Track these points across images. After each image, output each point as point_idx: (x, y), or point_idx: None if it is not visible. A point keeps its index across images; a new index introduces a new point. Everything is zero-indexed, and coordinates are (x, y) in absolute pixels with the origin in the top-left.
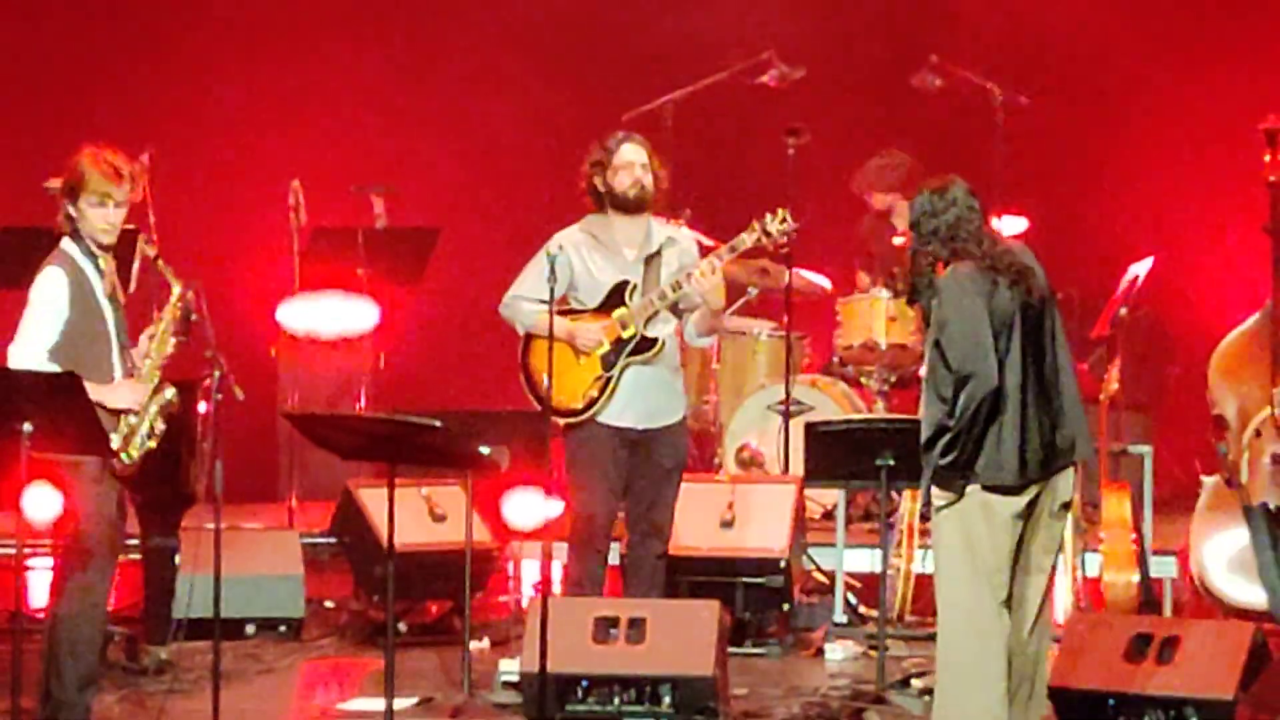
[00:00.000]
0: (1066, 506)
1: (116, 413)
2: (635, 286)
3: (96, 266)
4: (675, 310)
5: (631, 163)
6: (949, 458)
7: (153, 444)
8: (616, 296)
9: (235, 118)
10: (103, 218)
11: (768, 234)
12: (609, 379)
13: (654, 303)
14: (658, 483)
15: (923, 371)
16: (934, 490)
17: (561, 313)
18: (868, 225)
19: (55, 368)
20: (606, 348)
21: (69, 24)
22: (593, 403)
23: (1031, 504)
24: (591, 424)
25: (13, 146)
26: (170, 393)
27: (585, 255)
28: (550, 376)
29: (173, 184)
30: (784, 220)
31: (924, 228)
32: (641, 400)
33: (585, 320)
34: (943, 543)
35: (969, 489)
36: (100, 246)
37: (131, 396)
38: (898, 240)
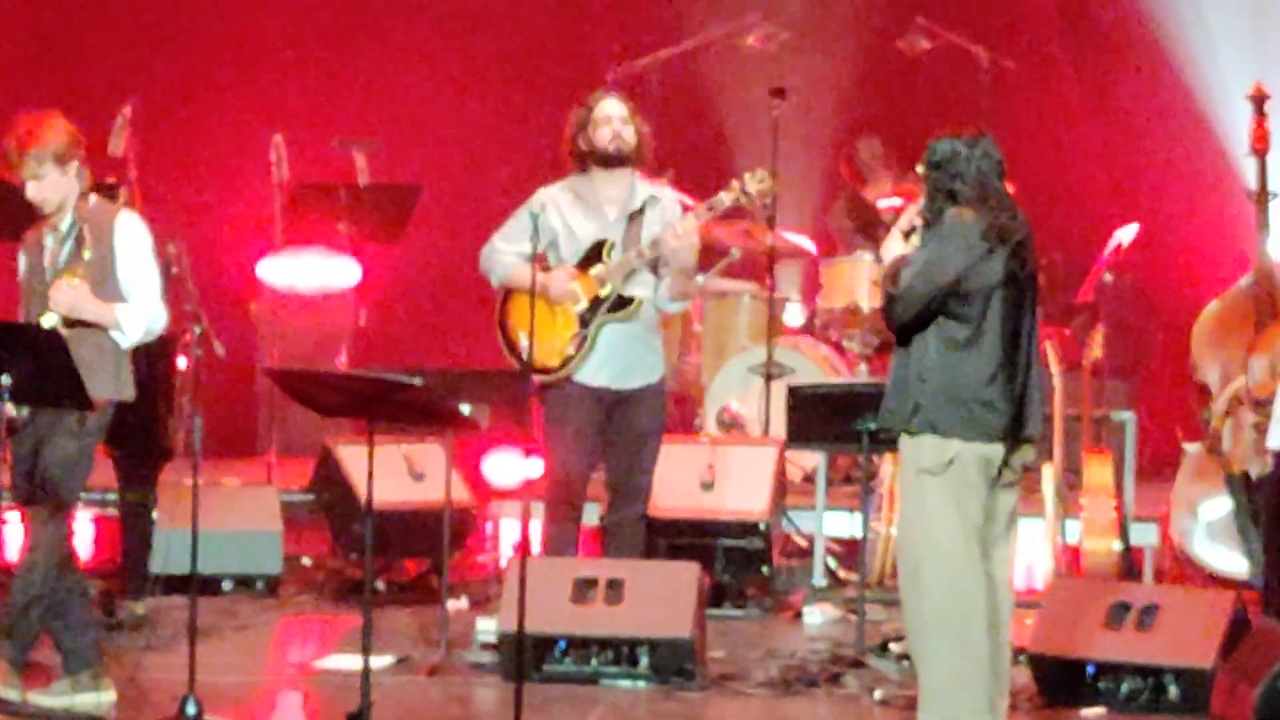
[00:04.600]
0: (1015, 482)
1: None
2: (613, 245)
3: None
4: (655, 270)
5: (610, 117)
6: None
7: None
8: (595, 254)
9: (217, 71)
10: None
11: (747, 193)
12: (585, 336)
13: (632, 260)
14: (635, 445)
15: None
16: (920, 451)
17: (541, 270)
18: (845, 205)
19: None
20: (584, 305)
21: None
22: (569, 360)
23: (998, 467)
24: (567, 384)
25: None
26: None
27: (566, 213)
28: (533, 336)
29: (154, 138)
30: (763, 180)
31: (952, 167)
32: (618, 360)
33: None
34: (929, 504)
35: (951, 445)
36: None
37: None
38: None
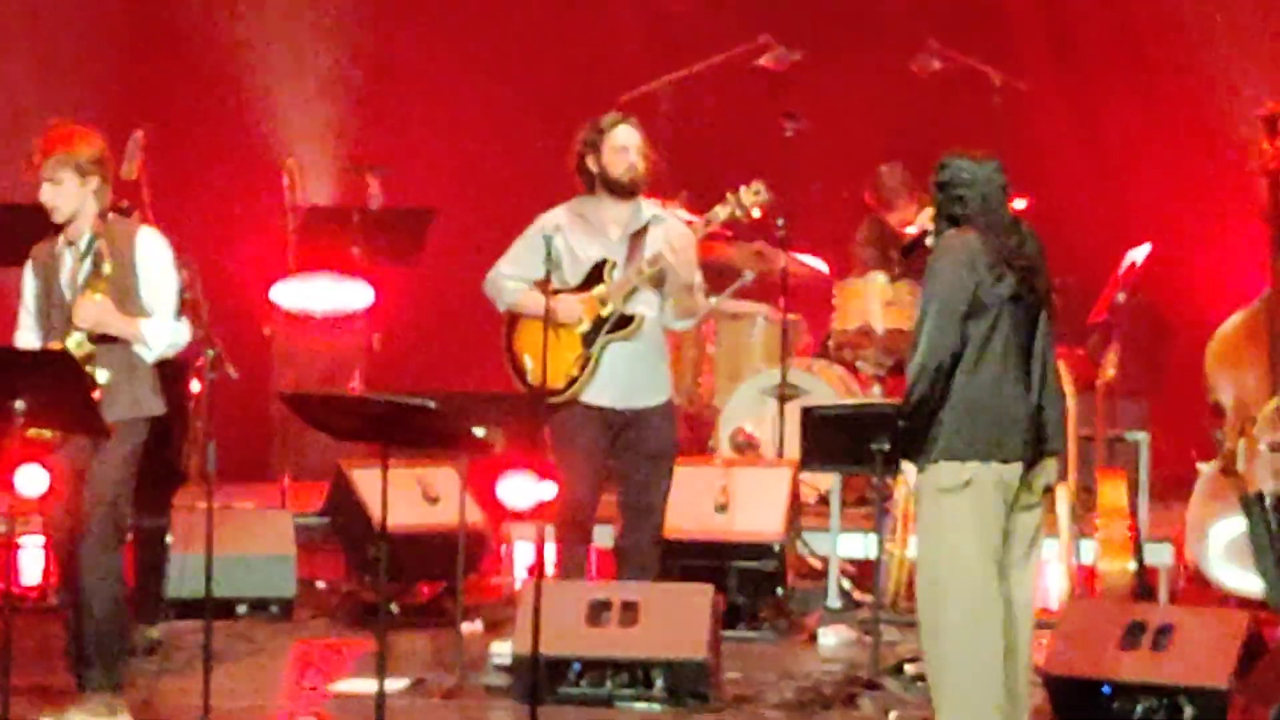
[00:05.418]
0: (1036, 504)
1: None
2: (615, 264)
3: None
4: (659, 287)
5: (626, 147)
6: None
7: None
8: (596, 275)
9: (230, 96)
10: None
11: (742, 206)
12: (589, 357)
13: (632, 279)
14: (645, 465)
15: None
16: (938, 473)
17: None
18: (870, 231)
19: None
20: (587, 326)
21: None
22: (573, 381)
23: (1015, 488)
24: (573, 405)
25: (9, 124)
26: None
27: (570, 235)
28: (545, 360)
29: (167, 162)
30: (758, 192)
31: (955, 190)
32: (623, 380)
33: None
34: (947, 524)
35: (968, 466)
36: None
37: None
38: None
